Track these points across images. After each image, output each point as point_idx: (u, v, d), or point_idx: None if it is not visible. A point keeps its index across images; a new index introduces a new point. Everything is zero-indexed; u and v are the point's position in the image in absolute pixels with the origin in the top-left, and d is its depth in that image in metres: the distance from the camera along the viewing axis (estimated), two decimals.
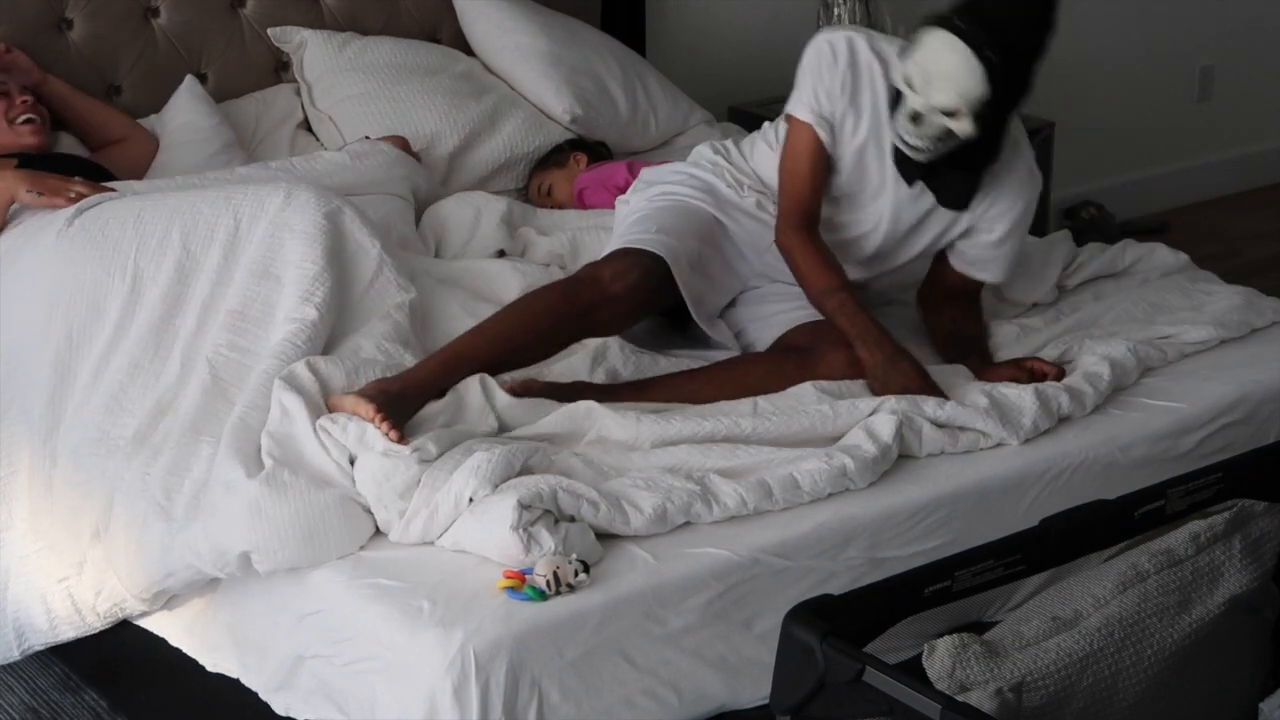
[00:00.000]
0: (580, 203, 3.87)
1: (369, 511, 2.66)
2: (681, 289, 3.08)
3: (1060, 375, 3.06)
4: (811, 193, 3.14)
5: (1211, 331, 3.23)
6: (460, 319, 3.21)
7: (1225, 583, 2.19)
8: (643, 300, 3.07)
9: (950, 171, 3.07)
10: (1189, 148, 5.97)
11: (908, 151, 3.01)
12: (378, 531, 2.67)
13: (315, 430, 2.73)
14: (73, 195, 3.36)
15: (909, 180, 3.11)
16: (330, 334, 3.04)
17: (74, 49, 3.93)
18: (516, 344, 2.96)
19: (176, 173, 3.81)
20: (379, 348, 2.99)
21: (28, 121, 3.63)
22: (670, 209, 3.25)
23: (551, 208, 3.92)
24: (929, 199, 3.15)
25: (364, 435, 2.70)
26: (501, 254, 3.58)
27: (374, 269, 3.16)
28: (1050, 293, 3.46)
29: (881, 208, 3.18)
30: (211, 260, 3.13)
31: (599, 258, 3.14)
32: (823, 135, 3.13)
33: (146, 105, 3.97)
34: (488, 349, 2.93)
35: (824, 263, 3.11)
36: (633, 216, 3.26)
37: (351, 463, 2.70)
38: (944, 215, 3.19)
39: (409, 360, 2.97)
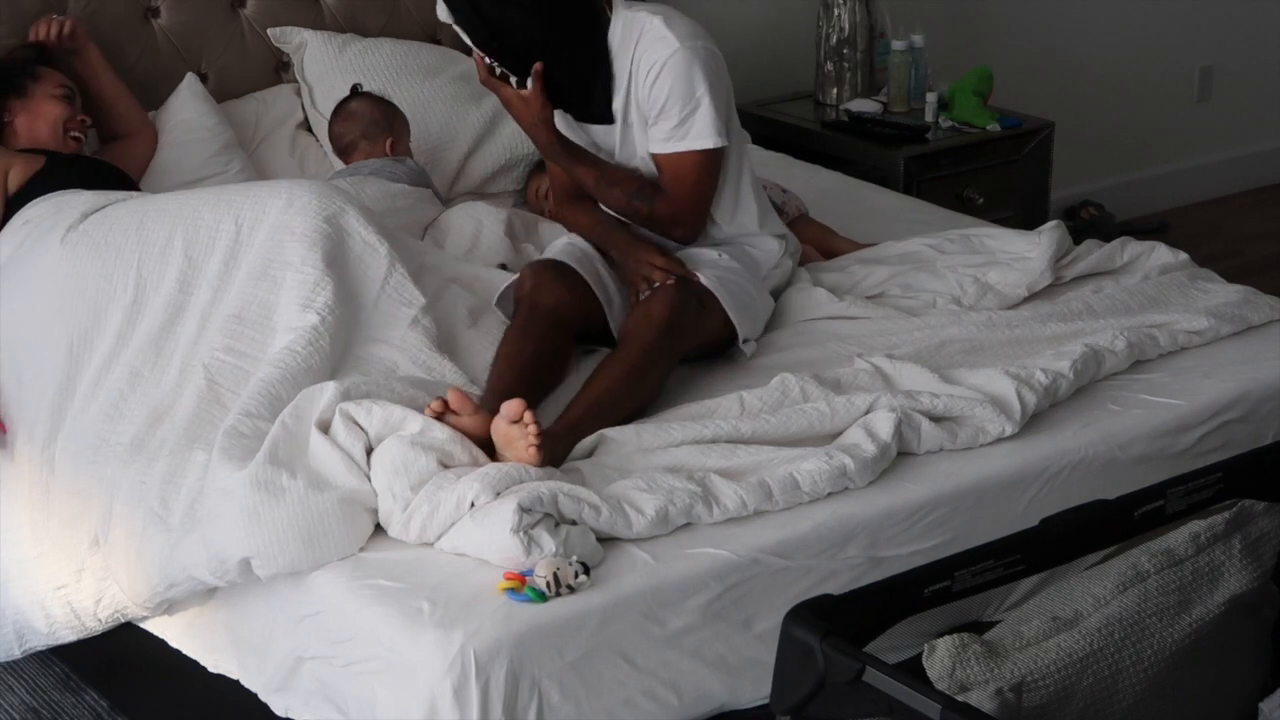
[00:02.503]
0: None
1: (368, 510, 2.66)
2: (593, 286, 3.24)
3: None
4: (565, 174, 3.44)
5: (1206, 322, 3.24)
6: (465, 322, 3.22)
7: (1225, 583, 2.19)
8: (573, 294, 3.17)
9: (571, 91, 3.27)
10: (1189, 148, 5.97)
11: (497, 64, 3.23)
12: (377, 531, 2.66)
13: (335, 420, 2.72)
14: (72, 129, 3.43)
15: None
16: (349, 339, 3.03)
17: None
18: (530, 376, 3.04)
19: (175, 171, 3.82)
20: (414, 360, 2.98)
21: (75, 138, 3.69)
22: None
23: (550, 213, 3.92)
24: (608, 131, 3.32)
25: (394, 419, 2.70)
26: (504, 267, 3.58)
27: (386, 267, 3.13)
28: (1045, 276, 3.45)
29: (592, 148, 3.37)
30: (213, 268, 3.12)
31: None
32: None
33: (146, 105, 3.97)
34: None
35: (580, 215, 3.44)
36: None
37: (369, 454, 2.70)
38: (629, 141, 3.31)
39: (447, 368, 2.96)
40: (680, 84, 3.23)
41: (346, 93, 4.00)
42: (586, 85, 3.28)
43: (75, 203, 3.34)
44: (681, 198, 3.31)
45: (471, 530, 2.56)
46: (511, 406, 2.72)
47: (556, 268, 3.22)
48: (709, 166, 3.31)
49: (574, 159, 3.32)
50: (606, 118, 3.32)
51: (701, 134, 3.27)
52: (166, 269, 3.14)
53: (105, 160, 3.73)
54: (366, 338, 3.06)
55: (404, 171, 3.82)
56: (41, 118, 3.66)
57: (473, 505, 2.57)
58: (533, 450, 2.69)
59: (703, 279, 3.21)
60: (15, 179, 3.51)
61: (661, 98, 3.24)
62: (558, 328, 3.12)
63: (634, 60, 3.26)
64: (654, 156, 3.30)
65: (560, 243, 3.40)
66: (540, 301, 3.14)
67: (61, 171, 3.53)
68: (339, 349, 3.00)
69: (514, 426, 2.72)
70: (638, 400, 2.99)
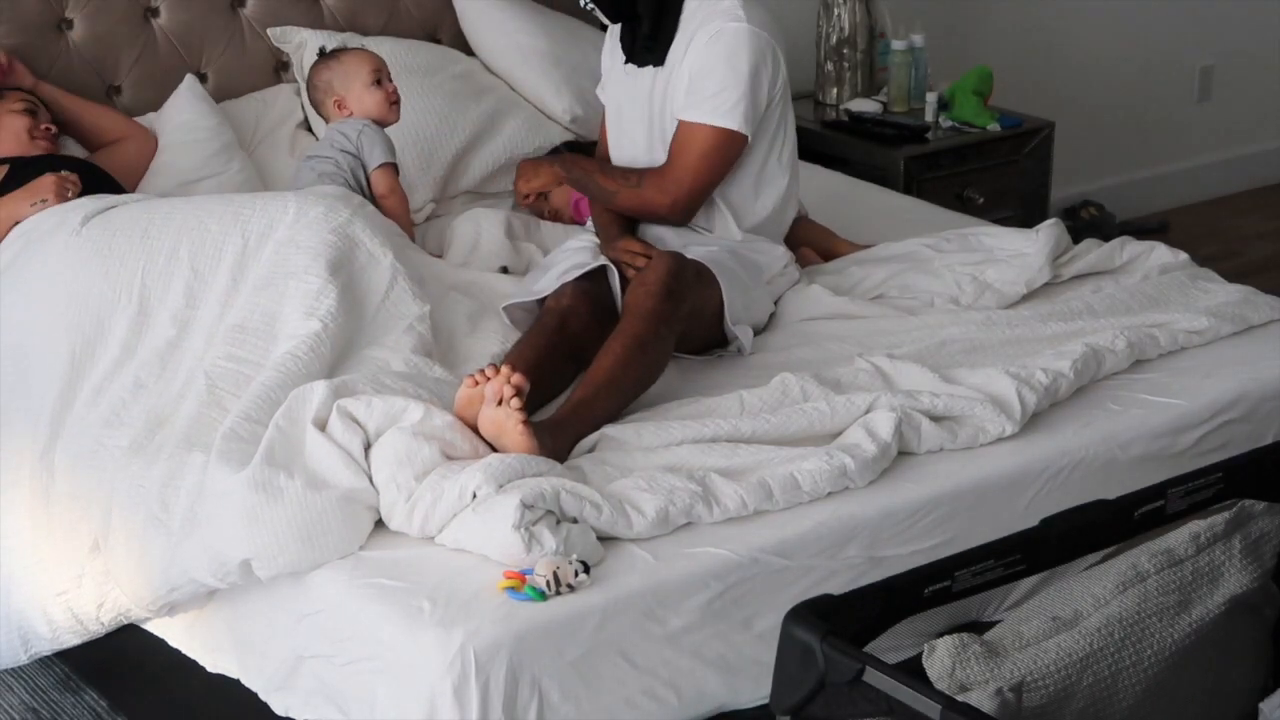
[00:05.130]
0: (577, 213, 3.86)
1: (368, 508, 2.66)
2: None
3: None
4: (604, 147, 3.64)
5: (1206, 321, 3.24)
6: (464, 329, 3.22)
7: (1225, 583, 2.19)
8: (602, 329, 3.15)
9: (637, 29, 3.40)
10: (1189, 148, 5.97)
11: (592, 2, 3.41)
12: (377, 529, 2.66)
13: (332, 417, 2.72)
14: (69, 195, 3.39)
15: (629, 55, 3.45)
16: (347, 346, 3.03)
17: (74, 49, 3.92)
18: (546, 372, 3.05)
19: (176, 173, 3.82)
20: (407, 362, 2.98)
21: (42, 143, 3.66)
22: None
23: (549, 213, 3.91)
24: (655, 82, 3.41)
25: (394, 410, 2.71)
26: (505, 270, 3.59)
27: (388, 279, 3.14)
28: (1043, 272, 3.45)
29: (635, 111, 3.48)
30: (219, 282, 3.12)
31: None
32: (603, 99, 3.64)
33: (146, 105, 3.97)
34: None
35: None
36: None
37: (366, 450, 2.70)
38: (673, 93, 3.38)
39: (437, 373, 2.97)
40: (728, 57, 3.29)
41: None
42: (658, 24, 3.36)
43: (76, 206, 3.33)
44: (678, 169, 3.35)
45: (473, 524, 2.56)
46: (494, 386, 2.73)
47: (595, 299, 3.23)
48: (719, 148, 3.33)
49: (577, 166, 3.47)
50: (658, 59, 3.39)
51: (724, 113, 3.30)
52: (172, 280, 3.13)
53: (86, 161, 3.70)
54: (366, 343, 3.06)
55: (339, 141, 3.63)
56: (4, 129, 3.63)
57: (474, 496, 2.57)
58: (521, 428, 2.70)
59: (694, 256, 3.24)
60: None
61: (706, 65, 3.30)
62: (575, 356, 3.14)
63: (701, 24, 3.33)
64: (678, 125, 3.35)
65: (582, 245, 3.41)
66: (569, 324, 3.17)
67: (28, 170, 3.52)
68: (339, 355, 3.01)
69: (499, 410, 2.72)
70: (641, 371, 3.01)
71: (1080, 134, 5.43)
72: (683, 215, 3.40)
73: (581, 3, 3.42)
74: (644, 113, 3.46)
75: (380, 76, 3.67)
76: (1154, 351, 3.19)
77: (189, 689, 2.90)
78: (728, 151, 3.34)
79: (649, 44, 3.41)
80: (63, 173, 3.46)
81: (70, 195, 3.41)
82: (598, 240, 3.43)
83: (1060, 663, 2.03)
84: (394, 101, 3.68)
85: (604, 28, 3.61)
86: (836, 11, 4.74)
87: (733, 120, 3.31)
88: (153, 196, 3.54)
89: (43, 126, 3.66)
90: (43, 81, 3.81)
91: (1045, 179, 4.76)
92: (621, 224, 3.45)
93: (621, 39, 3.49)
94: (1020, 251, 3.51)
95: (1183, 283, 3.46)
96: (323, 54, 3.76)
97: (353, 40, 4.12)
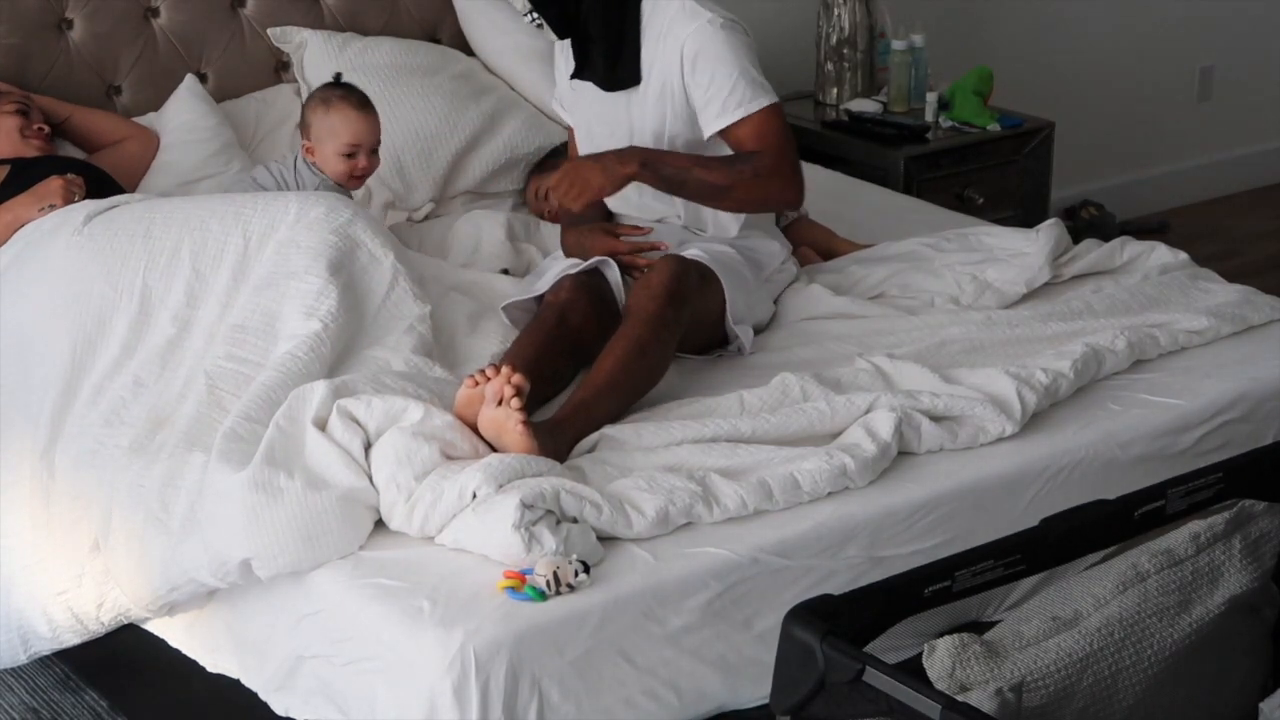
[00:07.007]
0: None
1: (368, 508, 2.66)
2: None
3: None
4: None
5: (1206, 321, 3.24)
6: (465, 329, 3.22)
7: (1225, 583, 2.19)
8: (600, 324, 3.15)
9: (592, 49, 3.37)
10: (1189, 148, 5.97)
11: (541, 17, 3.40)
12: (377, 529, 2.66)
13: (332, 417, 2.72)
14: (76, 198, 3.40)
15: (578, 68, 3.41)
16: (347, 346, 3.03)
17: (74, 49, 3.93)
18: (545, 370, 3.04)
19: (175, 173, 3.82)
20: (407, 362, 2.99)
21: (36, 142, 3.66)
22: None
23: (549, 214, 3.92)
24: (630, 99, 3.37)
25: (394, 410, 2.71)
26: (505, 273, 3.59)
27: (389, 280, 3.14)
28: (1043, 272, 3.45)
29: (606, 129, 3.42)
30: (220, 282, 3.12)
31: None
32: (565, 118, 3.60)
33: (146, 105, 3.97)
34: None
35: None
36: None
37: (366, 450, 2.70)
38: (650, 106, 3.35)
39: (437, 373, 2.97)
40: (715, 55, 3.27)
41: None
42: (619, 45, 3.34)
43: (78, 206, 3.34)
44: (775, 157, 3.31)
45: (473, 524, 2.56)
46: (494, 387, 2.73)
47: (594, 292, 3.22)
48: (781, 122, 3.33)
49: (663, 162, 3.24)
50: (634, 79, 3.36)
51: (758, 95, 3.29)
52: (173, 280, 3.14)
53: (87, 163, 3.70)
54: (367, 344, 3.07)
55: (290, 183, 3.48)
56: None
57: (474, 496, 2.57)
58: (521, 428, 2.70)
59: (695, 255, 3.23)
60: None
61: (707, 74, 3.28)
62: (575, 351, 3.13)
63: (663, 33, 3.31)
64: (726, 134, 3.32)
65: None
66: (568, 318, 3.16)
67: (29, 172, 3.52)
68: (340, 355, 3.00)
69: (499, 410, 2.72)
70: (642, 375, 3.00)
71: (1080, 134, 5.43)
72: (801, 195, 3.39)
73: (528, 19, 3.41)
74: (623, 130, 3.41)
75: (356, 151, 3.44)
76: (1154, 351, 3.19)
77: (189, 689, 2.90)
78: (785, 122, 3.34)
79: (612, 64, 3.36)
80: (69, 176, 3.47)
81: (77, 198, 3.42)
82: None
83: (1060, 663, 2.03)
84: (357, 176, 3.48)
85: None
86: (836, 11, 4.74)
87: (766, 96, 3.30)
88: (154, 196, 3.54)
89: (35, 126, 3.67)
90: (34, 95, 3.80)
91: (1045, 179, 4.76)
92: (596, 213, 3.44)
93: (575, 56, 3.44)
94: (1020, 251, 3.51)
95: (1183, 283, 3.46)
96: (337, 81, 3.54)
97: (353, 42, 4.12)
